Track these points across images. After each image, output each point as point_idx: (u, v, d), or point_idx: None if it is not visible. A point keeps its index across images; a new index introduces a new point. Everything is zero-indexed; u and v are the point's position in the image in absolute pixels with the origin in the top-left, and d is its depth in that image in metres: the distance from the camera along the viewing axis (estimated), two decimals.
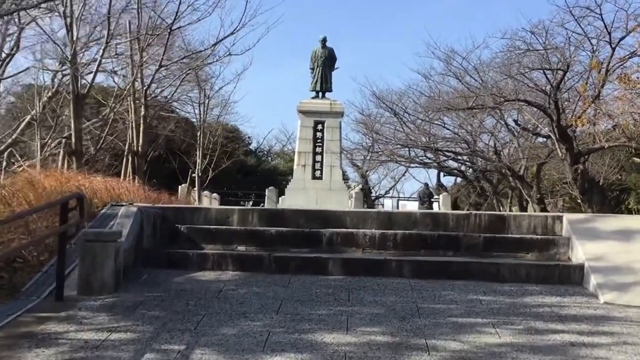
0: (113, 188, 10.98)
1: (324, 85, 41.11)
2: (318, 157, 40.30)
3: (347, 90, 71.36)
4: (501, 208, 44.66)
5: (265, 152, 66.02)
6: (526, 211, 39.47)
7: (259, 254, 8.91)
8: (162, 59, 17.48)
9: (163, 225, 9.54)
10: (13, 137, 23.69)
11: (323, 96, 41.22)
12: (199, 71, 24.51)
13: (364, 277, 8.65)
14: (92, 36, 16.68)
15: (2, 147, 25.00)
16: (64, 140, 15.36)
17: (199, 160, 25.44)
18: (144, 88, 16.93)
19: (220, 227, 9.63)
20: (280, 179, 53.77)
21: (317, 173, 40.25)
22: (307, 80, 41.58)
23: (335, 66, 41.96)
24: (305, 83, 41.70)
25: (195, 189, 38.89)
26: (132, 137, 16.59)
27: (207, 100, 26.98)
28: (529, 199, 37.85)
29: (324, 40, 41.64)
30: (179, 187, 30.06)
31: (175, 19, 16.68)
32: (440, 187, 53.91)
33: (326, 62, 41.07)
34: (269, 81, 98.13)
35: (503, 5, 77.96)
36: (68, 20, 13.60)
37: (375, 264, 8.76)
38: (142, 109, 16.95)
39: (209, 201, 41.61)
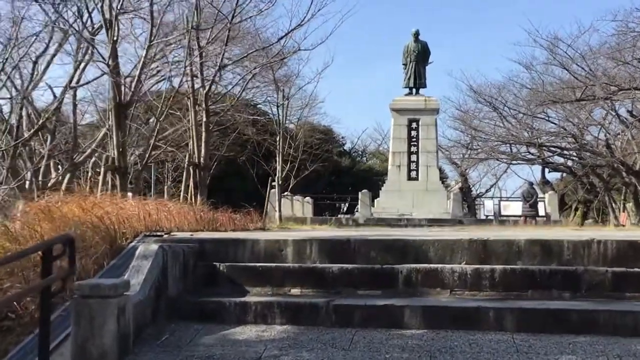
0: (149, 213, 9.25)
1: (417, 81, 39.01)
2: (413, 157, 38.24)
3: (442, 85, 68.77)
4: (613, 205, 41.29)
5: (360, 152, 64.15)
6: None
7: (315, 301, 6.89)
8: (222, 57, 15.71)
9: (198, 263, 7.67)
10: (92, 147, 22.64)
11: (417, 92, 39.06)
12: (276, 70, 22.84)
13: (452, 331, 6.53)
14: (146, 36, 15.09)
15: (81, 158, 24.07)
16: (104, 156, 13.78)
17: (279, 167, 23.64)
18: (205, 91, 15.18)
19: (269, 264, 7.67)
20: (375, 179, 51.86)
21: (413, 174, 38.20)
22: (401, 76, 39.65)
23: (429, 60, 39.78)
24: (400, 79, 39.80)
25: (289, 195, 37.42)
26: (193, 147, 14.91)
27: (286, 102, 25.15)
28: None
29: (416, 34, 39.53)
30: (269, 193, 28.47)
31: (234, 12, 14.86)
32: (545, 184, 50.68)
33: (419, 57, 38.99)
34: (364, 79, 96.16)
35: None
36: (106, 14, 12.01)
37: (466, 313, 6.63)
38: (203, 115, 15.25)
39: (301, 206, 40.05)
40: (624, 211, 39.81)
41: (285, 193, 35.15)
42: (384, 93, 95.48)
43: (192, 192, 14.47)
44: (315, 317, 6.78)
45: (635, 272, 7.18)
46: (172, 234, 8.78)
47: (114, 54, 12.11)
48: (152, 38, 12.31)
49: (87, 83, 17.62)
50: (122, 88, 12.08)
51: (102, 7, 12.27)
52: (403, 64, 38.92)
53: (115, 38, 12.14)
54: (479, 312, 6.61)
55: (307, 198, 40.11)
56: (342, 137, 59.72)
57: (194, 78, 15.24)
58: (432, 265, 7.45)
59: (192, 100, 15.14)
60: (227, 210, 13.33)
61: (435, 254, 7.67)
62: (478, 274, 7.29)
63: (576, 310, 6.51)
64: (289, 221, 32.08)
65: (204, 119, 15.09)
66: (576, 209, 50.20)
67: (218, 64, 15.66)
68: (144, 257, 6.84)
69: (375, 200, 38.08)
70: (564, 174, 49.52)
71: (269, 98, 29.82)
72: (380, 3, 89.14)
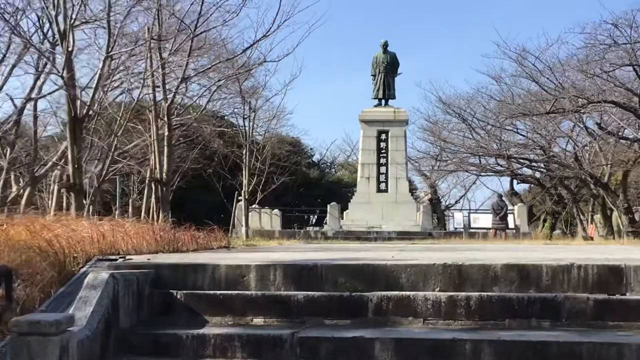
0: (104, 235, 8.69)
1: (386, 92, 38.74)
2: (382, 169, 37.91)
3: (411, 96, 68.80)
4: (581, 217, 41.28)
5: (329, 164, 63.84)
6: (610, 221, 36.11)
7: (279, 333, 6.39)
8: (185, 69, 15.15)
9: (154, 291, 7.13)
10: (53, 159, 21.93)
11: (386, 104, 38.77)
12: (243, 82, 22.31)
13: None
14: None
15: (42, 171, 23.33)
16: (56, 172, 13.11)
17: (245, 181, 23.05)
18: (167, 103, 14.60)
19: (230, 292, 7.14)
20: (345, 191, 51.55)
21: (382, 185, 37.87)
22: (370, 87, 39.33)
23: (399, 72, 39.57)
24: (369, 90, 39.48)
25: (257, 207, 36.79)
26: (155, 162, 14.31)
27: (253, 114, 24.62)
28: (613, 208, 34.50)
29: (385, 45, 39.28)
30: (235, 207, 27.81)
31: (197, 23, 14.30)
32: (514, 195, 50.68)
33: (388, 68, 38.73)
34: (332, 90, 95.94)
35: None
36: (61, 25, 11.37)
37: (442, 345, 6.17)
38: (166, 128, 14.66)
39: (269, 219, 39.46)
40: (591, 223, 39.81)
41: (254, 206, 34.59)
42: (353, 104, 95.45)
43: (154, 209, 13.89)
44: (279, 351, 6.29)
45: (617, 300, 6.79)
46: (127, 257, 8.22)
47: (69, 66, 11.48)
48: (110, 49, 11.73)
49: (44, 96, 16.96)
50: (78, 101, 11.49)
51: (56, 17, 11.65)
52: (372, 75, 38.66)
53: (70, 49, 11.52)
54: (455, 344, 6.17)
55: (276, 210, 39.55)
56: (311, 149, 59.38)
57: (156, 90, 14.71)
58: (404, 293, 6.99)
59: (154, 113, 14.57)
60: (190, 228, 12.79)
61: (408, 279, 7.21)
62: (453, 302, 6.85)
63: (557, 343, 6.09)
64: (257, 235, 31.56)
65: (166, 133, 14.52)
66: (544, 221, 50.20)
67: (181, 76, 15.10)
68: (93, 287, 6.30)
69: (345, 213, 37.68)
70: (532, 185, 49.55)
71: (236, 110, 29.30)
72: (349, 14, 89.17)
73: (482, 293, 6.93)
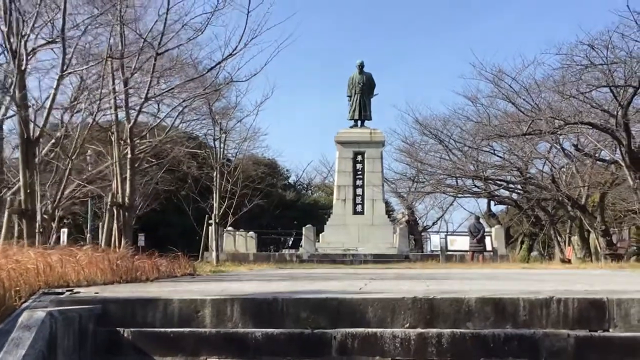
0: (51, 266, 8.08)
1: (362, 113, 38.35)
2: (359, 191, 37.44)
3: (388, 117, 68.75)
4: (559, 238, 41.07)
5: (305, 186, 63.33)
6: (587, 243, 35.88)
7: None
8: (148, 88, 14.58)
9: (98, 329, 6.54)
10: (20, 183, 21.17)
11: (362, 125, 38.38)
12: (213, 102, 21.82)
13: None
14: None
15: (8, 194, 22.55)
16: (8, 197, 12.50)
17: (215, 204, 22.45)
18: (129, 125, 14.00)
19: (182, 330, 6.56)
20: (321, 212, 51.08)
21: (358, 207, 37.37)
22: (347, 108, 38.96)
23: (375, 92, 39.23)
24: (345, 111, 39.10)
25: (231, 230, 36.09)
26: (117, 186, 13.68)
27: (224, 135, 24.07)
28: (591, 230, 34.30)
29: (361, 66, 38.95)
30: (205, 231, 27.13)
31: (160, 41, 13.75)
32: (491, 216, 50.43)
33: (364, 89, 38.37)
34: (308, 111, 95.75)
35: (553, 21, 74.45)
36: (13, 42, 10.76)
37: None
38: (129, 151, 14.07)
39: (244, 241, 38.80)
40: (569, 245, 39.57)
41: (228, 228, 33.95)
42: (330, 125, 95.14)
43: (116, 236, 13.27)
44: None
45: (600, 337, 6.30)
46: (75, 290, 7.62)
47: (21, 85, 10.87)
48: (65, 67, 11.16)
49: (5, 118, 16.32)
50: (31, 124, 10.86)
51: (8, 34, 11.03)
52: (348, 96, 38.31)
53: (22, 67, 10.94)
54: None
55: (251, 233, 38.90)
56: (287, 170, 58.89)
57: (120, 110, 14.14)
58: (370, 330, 6.45)
59: (116, 135, 13.98)
60: (152, 255, 12.19)
61: (375, 314, 6.68)
62: (423, 340, 6.32)
63: None
64: (231, 259, 30.90)
65: (129, 155, 13.94)
66: (522, 242, 49.98)
67: (144, 96, 14.52)
68: (27, 327, 5.70)
69: (320, 235, 37.13)
70: (510, 207, 49.37)
71: (209, 131, 28.73)
72: (324, 34, 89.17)
73: (455, 330, 6.41)
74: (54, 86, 10.86)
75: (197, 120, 27.47)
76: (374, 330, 6.46)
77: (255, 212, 37.85)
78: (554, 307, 6.54)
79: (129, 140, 13.90)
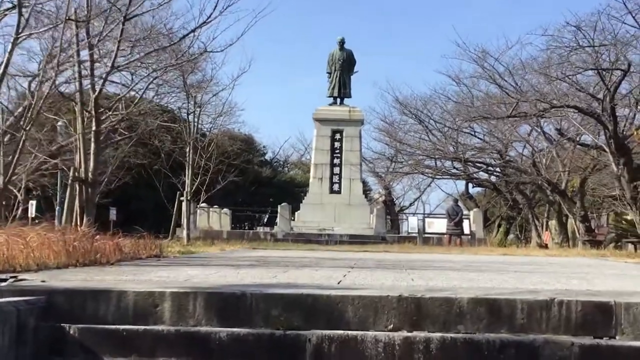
0: None
1: (342, 91, 37.52)
2: (336, 169, 36.69)
3: (367, 96, 67.91)
4: (536, 222, 40.68)
5: (282, 163, 62.56)
6: (565, 228, 35.50)
7: None
8: (115, 56, 13.65)
9: (41, 325, 5.75)
10: None
11: (341, 102, 37.57)
12: (188, 75, 20.91)
13: None
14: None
15: None
16: None
17: (188, 180, 21.59)
18: (94, 94, 13.07)
19: (136, 327, 5.80)
20: (297, 190, 50.46)
21: (336, 187, 36.65)
22: (326, 85, 38.14)
23: (355, 70, 38.41)
24: (324, 88, 38.29)
25: (205, 206, 35.23)
26: (80, 160, 12.78)
27: (198, 109, 23.15)
28: (569, 215, 33.86)
29: (341, 42, 38.07)
30: (176, 208, 26.19)
31: (128, 7, 12.81)
32: (469, 199, 50.05)
33: (344, 66, 37.54)
34: (286, 87, 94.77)
35: (540, 4, 73.82)
36: None
37: None
38: (93, 123, 13.14)
39: (218, 218, 38.02)
40: (546, 230, 39.21)
41: (202, 204, 33.15)
42: (308, 102, 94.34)
43: (78, 213, 12.42)
44: None
45: (607, 345, 5.63)
46: (19, 277, 6.82)
47: None
48: (21, 30, 10.21)
49: None
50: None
51: None
52: (327, 73, 37.54)
53: None
54: None
55: (225, 210, 38.16)
56: (264, 147, 58.12)
57: (83, 79, 13.22)
58: (350, 333, 5.72)
59: (79, 105, 13.06)
60: (116, 234, 11.41)
61: (355, 314, 5.95)
62: (409, 344, 5.61)
63: None
64: (204, 236, 30.11)
65: (94, 127, 13.03)
66: (499, 226, 49.67)
67: (110, 64, 13.60)
68: None
69: (296, 213, 36.50)
70: (487, 189, 48.97)
71: (184, 104, 27.77)
72: (305, 9, 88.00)
73: (445, 335, 5.70)
74: (9, 50, 9.97)
75: (171, 94, 26.55)
76: (354, 333, 5.73)
77: (230, 189, 37.10)
78: (555, 310, 5.85)
79: (93, 112, 13.00)
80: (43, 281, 6.60)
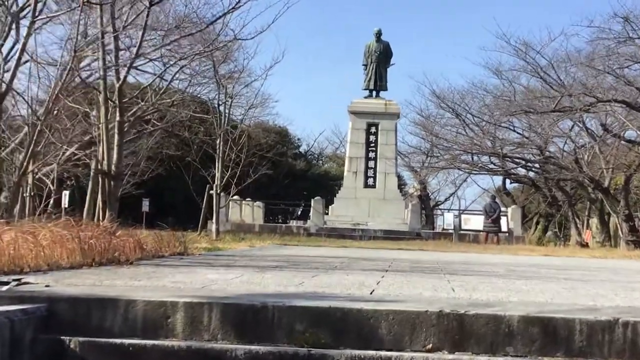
0: (1, 248, 6.74)
1: (378, 83, 36.74)
2: (371, 163, 35.97)
3: (403, 88, 66.80)
4: (576, 220, 39.58)
5: (316, 155, 61.89)
6: (607, 227, 34.42)
7: None
8: (140, 42, 13.05)
9: (39, 337, 5.18)
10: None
11: (377, 95, 36.81)
12: (219, 64, 20.32)
13: None
14: None
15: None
16: None
17: (217, 174, 21.00)
18: (119, 83, 12.48)
19: (143, 342, 5.19)
20: (332, 184, 49.90)
21: (370, 181, 35.94)
22: (362, 77, 37.41)
23: (391, 62, 37.63)
24: (359, 81, 37.55)
25: (237, 199, 34.65)
26: (102, 152, 12.21)
27: (229, 100, 22.55)
28: (612, 213, 32.78)
29: (378, 33, 37.28)
30: (205, 201, 25.57)
31: None
32: (506, 195, 49.01)
33: (381, 58, 36.75)
34: (322, 79, 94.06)
35: None
36: None
37: None
38: (117, 113, 12.58)
39: (251, 211, 37.49)
40: (587, 228, 38.09)
41: (235, 197, 32.65)
42: (344, 94, 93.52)
43: (100, 207, 11.87)
44: None
45: None
46: (23, 280, 6.24)
47: None
48: (37, 14, 9.64)
49: None
50: None
51: None
52: (363, 65, 36.86)
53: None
54: None
55: (258, 203, 37.68)
56: (298, 139, 57.55)
57: (107, 67, 12.65)
58: (383, 354, 5.04)
59: (102, 94, 12.50)
60: (138, 230, 10.85)
61: (389, 331, 5.26)
62: None
63: None
64: (236, 229, 29.60)
65: (118, 118, 12.47)
66: (537, 223, 48.59)
67: (135, 52, 13.03)
68: None
69: (330, 207, 35.93)
70: (525, 185, 47.86)
71: (221, 95, 27.26)
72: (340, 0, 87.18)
73: (492, 357, 5.01)
74: (24, 34, 9.40)
75: (204, 84, 26.05)
76: (389, 353, 5.05)
77: (263, 181, 36.51)
78: (619, 332, 5.11)
79: (117, 101, 12.44)
80: (47, 286, 6.02)
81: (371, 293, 6.21)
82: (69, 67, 9.94)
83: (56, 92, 9.76)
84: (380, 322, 5.26)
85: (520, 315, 5.18)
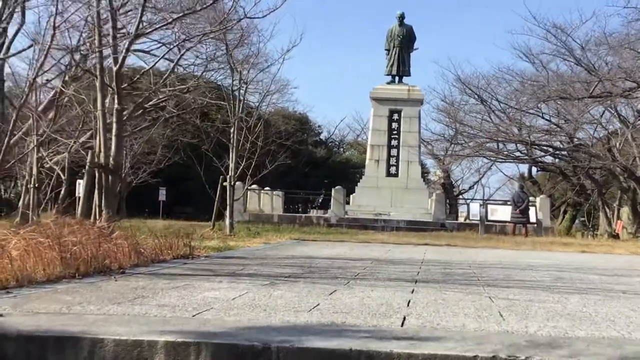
0: None
1: (401, 69, 35.36)
2: (393, 151, 34.62)
3: (427, 74, 64.97)
4: (606, 210, 38.15)
5: (337, 143, 60.66)
6: (639, 218, 33.02)
7: None
8: (139, 21, 11.88)
9: None
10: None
11: (400, 81, 35.42)
12: (233, 49, 19.14)
13: None
14: None
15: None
16: None
17: (231, 165, 19.86)
18: (116, 67, 11.31)
19: None
20: (353, 171, 48.79)
21: (392, 169, 34.61)
22: (384, 62, 36.11)
23: (415, 47, 36.22)
24: (382, 66, 36.28)
25: (256, 188, 33.52)
26: (99, 143, 11.04)
27: (245, 86, 21.39)
28: None
29: (401, 17, 35.86)
30: (219, 193, 24.36)
31: None
32: (533, 183, 47.55)
33: (404, 42, 35.34)
34: (342, 65, 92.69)
35: None
36: None
37: None
38: (115, 100, 11.42)
39: (270, 200, 36.35)
40: (618, 218, 36.64)
41: (253, 186, 31.56)
42: (365, 80, 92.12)
43: (96, 204, 10.76)
44: None
45: None
46: None
47: None
48: None
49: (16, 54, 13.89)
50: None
51: None
52: (386, 50, 35.59)
53: None
54: None
55: (277, 192, 36.60)
56: (318, 126, 56.34)
57: (102, 49, 11.49)
58: None
59: (99, 79, 11.35)
60: (152, 221, 9.73)
61: None
62: None
63: None
64: (253, 220, 28.53)
65: (116, 105, 11.30)
66: (564, 212, 47.17)
67: (134, 31, 11.86)
68: None
69: (351, 196, 34.78)
70: (552, 174, 46.37)
71: (235, 81, 26.16)
72: None
73: None
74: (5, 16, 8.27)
75: (222, 70, 24.94)
76: None
77: (281, 170, 35.39)
78: None
79: (115, 87, 11.31)
80: (0, 315, 4.88)
81: (402, 324, 5.01)
82: (47, 47, 8.80)
83: (33, 76, 8.65)
84: None
85: None
